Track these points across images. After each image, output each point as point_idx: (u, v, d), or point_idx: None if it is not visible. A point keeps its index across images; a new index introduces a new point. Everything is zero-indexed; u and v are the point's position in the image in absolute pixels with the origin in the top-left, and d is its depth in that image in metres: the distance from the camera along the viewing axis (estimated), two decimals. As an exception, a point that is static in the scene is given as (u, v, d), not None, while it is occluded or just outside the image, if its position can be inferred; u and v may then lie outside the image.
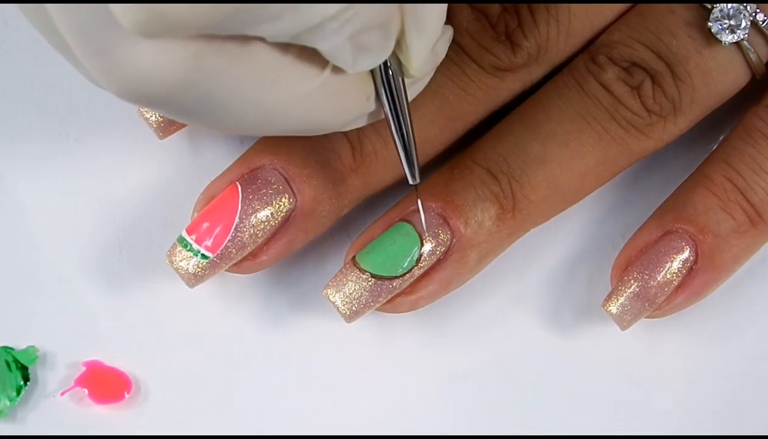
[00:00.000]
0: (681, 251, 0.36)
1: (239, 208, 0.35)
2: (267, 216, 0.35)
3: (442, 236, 0.35)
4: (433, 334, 0.38)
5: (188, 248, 0.35)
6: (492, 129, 0.37)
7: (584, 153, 0.36)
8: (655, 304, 0.36)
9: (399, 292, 0.36)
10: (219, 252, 0.35)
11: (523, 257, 0.38)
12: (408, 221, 0.36)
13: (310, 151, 0.36)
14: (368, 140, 0.36)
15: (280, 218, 0.35)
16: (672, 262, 0.35)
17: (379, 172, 0.36)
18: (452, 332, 0.38)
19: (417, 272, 0.35)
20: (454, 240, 0.36)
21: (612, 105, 0.36)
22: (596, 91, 0.36)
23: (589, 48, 0.37)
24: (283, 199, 0.35)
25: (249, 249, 0.35)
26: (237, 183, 0.35)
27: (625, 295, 0.36)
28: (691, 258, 0.36)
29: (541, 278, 0.38)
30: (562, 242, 0.39)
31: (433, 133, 0.36)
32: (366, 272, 0.35)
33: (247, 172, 0.36)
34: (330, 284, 0.36)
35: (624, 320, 0.36)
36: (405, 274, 0.35)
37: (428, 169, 0.37)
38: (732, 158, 0.36)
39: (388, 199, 0.37)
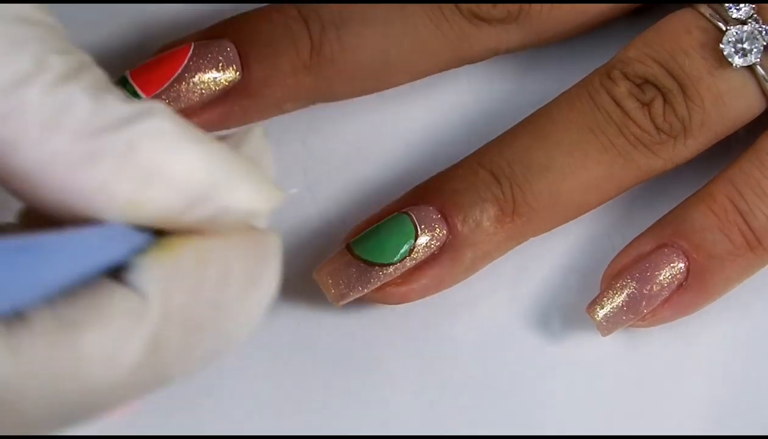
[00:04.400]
0: (673, 265, 0.35)
1: (185, 63, 0.36)
2: (209, 79, 0.36)
3: (438, 231, 0.36)
4: (424, 335, 0.38)
5: (127, 87, 0.36)
6: (501, 134, 0.37)
7: (589, 165, 0.36)
8: (639, 314, 0.36)
9: (390, 281, 0.36)
10: (153, 96, 0.36)
11: (519, 258, 0.38)
12: (407, 213, 0.36)
13: (270, 36, 0.36)
14: (329, 44, 0.36)
15: (220, 86, 0.36)
16: (662, 275, 0.35)
17: (331, 80, 0.37)
18: (444, 333, 0.38)
19: (409, 263, 0.36)
20: (451, 237, 0.36)
21: (621, 120, 0.36)
22: (607, 105, 0.36)
23: (606, 63, 0.37)
24: (230, 69, 0.36)
25: (181, 104, 0.36)
26: (192, 43, 0.36)
27: (610, 302, 0.36)
28: (683, 274, 0.35)
29: (536, 280, 0.38)
30: (558, 245, 0.38)
31: (393, 55, 0.37)
32: (358, 256, 0.36)
33: (205, 38, 0.37)
34: (322, 266, 0.36)
35: (605, 327, 0.36)
36: (397, 263, 0.36)
37: (434, 169, 0.37)
38: (737, 179, 0.36)
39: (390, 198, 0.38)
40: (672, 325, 0.37)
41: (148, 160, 0.25)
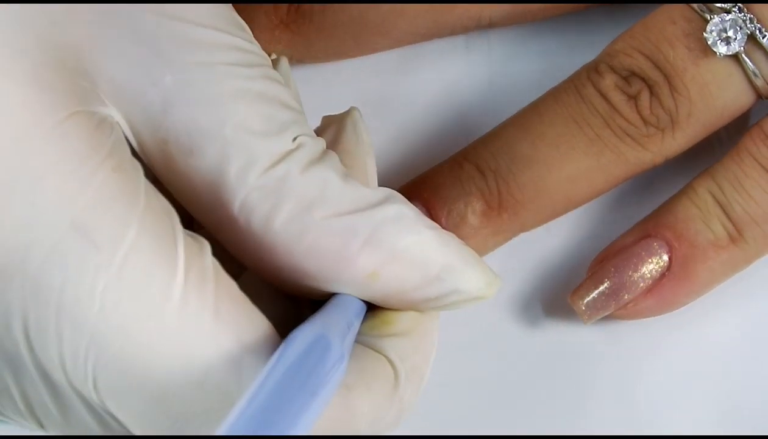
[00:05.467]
0: (655, 254, 0.35)
1: None
2: None
3: None
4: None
5: None
6: (489, 130, 0.37)
7: (574, 157, 0.36)
8: (621, 302, 0.35)
9: None
10: None
11: (509, 255, 0.38)
12: None
13: None
14: (309, 5, 0.37)
15: None
16: (644, 263, 0.35)
17: (309, 37, 0.37)
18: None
19: None
20: None
21: (607, 112, 0.36)
22: (593, 98, 0.36)
23: (595, 58, 0.37)
24: None
25: None
26: None
27: (591, 289, 0.36)
28: (665, 264, 0.35)
29: (524, 275, 0.38)
30: (553, 243, 0.39)
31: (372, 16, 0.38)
32: None
33: None
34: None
35: (586, 314, 0.36)
36: None
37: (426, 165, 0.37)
38: (717, 173, 0.36)
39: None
40: (664, 319, 0.37)
41: (392, 240, 0.27)
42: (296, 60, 0.39)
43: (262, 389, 0.23)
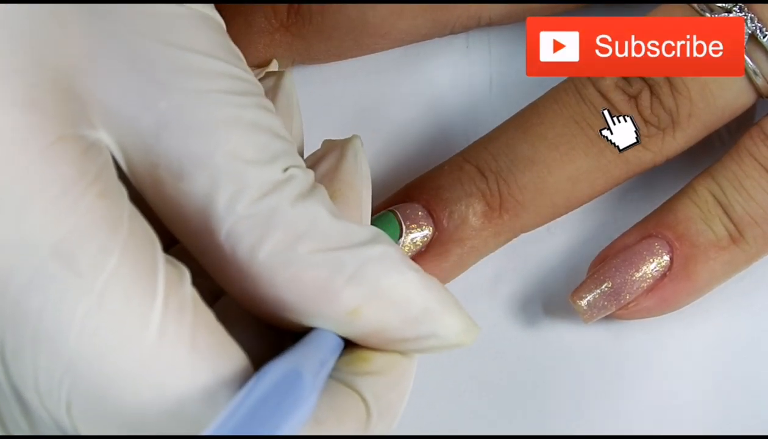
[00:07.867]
0: (656, 254, 0.35)
1: None
2: None
3: (424, 228, 0.36)
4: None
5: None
6: (489, 131, 0.37)
7: (575, 157, 0.36)
8: (621, 302, 0.35)
9: None
10: None
11: (507, 253, 0.38)
12: (392, 211, 0.36)
13: None
14: (307, 6, 0.37)
15: None
16: (645, 263, 0.35)
17: (309, 39, 0.37)
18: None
19: None
20: (437, 233, 0.36)
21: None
22: (593, 98, 0.36)
23: None
24: None
25: None
26: None
27: (592, 288, 0.36)
28: (666, 264, 0.35)
29: (528, 277, 0.38)
30: (553, 243, 0.39)
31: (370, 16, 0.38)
32: None
33: None
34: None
35: (587, 313, 0.36)
36: None
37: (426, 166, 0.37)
38: (717, 173, 0.36)
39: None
40: (665, 319, 0.37)
41: (376, 278, 0.27)
42: (296, 62, 0.39)
43: (228, 422, 0.23)
